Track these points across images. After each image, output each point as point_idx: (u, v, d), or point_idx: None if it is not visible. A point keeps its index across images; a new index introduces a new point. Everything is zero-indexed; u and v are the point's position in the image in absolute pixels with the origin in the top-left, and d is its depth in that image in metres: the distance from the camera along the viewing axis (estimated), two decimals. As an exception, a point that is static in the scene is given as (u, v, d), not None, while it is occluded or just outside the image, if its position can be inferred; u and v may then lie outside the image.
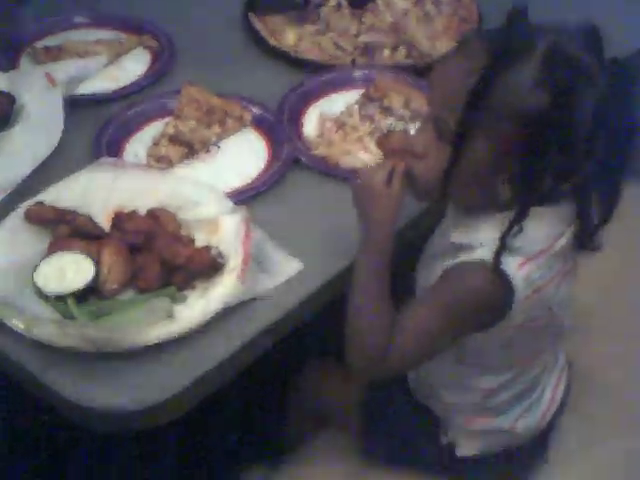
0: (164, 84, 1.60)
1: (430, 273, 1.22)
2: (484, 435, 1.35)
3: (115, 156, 1.43)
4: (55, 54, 1.64)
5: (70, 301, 1.17)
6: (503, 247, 1.12)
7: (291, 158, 1.44)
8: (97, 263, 1.22)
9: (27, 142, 1.42)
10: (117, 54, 1.65)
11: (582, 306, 1.31)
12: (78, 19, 1.76)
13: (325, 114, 1.54)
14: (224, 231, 1.28)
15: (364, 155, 1.48)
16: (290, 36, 1.71)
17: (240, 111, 1.52)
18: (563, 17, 1.11)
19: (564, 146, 1.08)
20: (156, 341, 1.14)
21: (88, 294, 1.21)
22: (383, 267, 1.20)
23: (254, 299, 1.22)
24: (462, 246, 1.17)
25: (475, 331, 1.19)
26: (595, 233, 1.19)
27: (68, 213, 1.29)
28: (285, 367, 1.55)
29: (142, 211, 1.31)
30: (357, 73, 1.63)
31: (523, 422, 1.34)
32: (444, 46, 1.69)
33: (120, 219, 1.30)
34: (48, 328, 1.14)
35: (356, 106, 1.56)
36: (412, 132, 1.46)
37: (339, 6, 1.80)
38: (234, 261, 1.22)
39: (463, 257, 1.15)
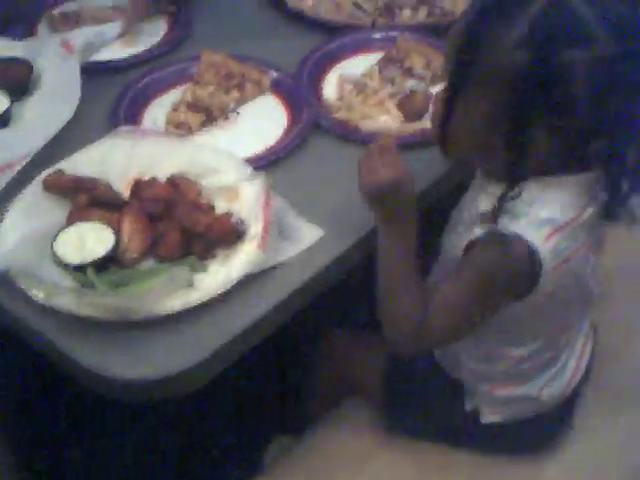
0: (182, 50, 1.59)
1: (457, 241, 1.20)
2: (509, 402, 1.34)
3: (133, 124, 1.42)
4: (72, 21, 1.64)
5: (90, 270, 1.17)
6: (499, 209, 1.12)
7: (311, 122, 1.42)
8: (117, 232, 1.21)
9: (45, 110, 1.42)
10: (134, 20, 1.63)
11: (605, 272, 1.29)
12: (95, -16, 1.74)
13: (345, 77, 1.52)
14: (244, 198, 1.26)
15: (385, 118, 1.46)
16: (309, -1, 1.68)
17: (259, 75, 1.50)
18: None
19: (553, 107, 1.05)
20: (177, 310, 1.13)
21: (108, 263, 1.20)
22: (409, 249, 1.19)
23: (275, 267, 1.21)
24: (489, 214, 1.15)
25: (506, 303, 1.18)
26: (622, 204, 1.16)
27: (87, 182, 1.29)
28: (308, 337, 1.54)
29: (161, 179, 1.30)
30: (377, 34, 1.61)
31: (548, 390, 1.33)
32: (466, 4, 1.66)
33: (139, 187, 1.29)
34: (68, 297, 1.13)
35: (376, 68, 1.53)
36: (432, 93, 1.46)
37: (358, -35, 1.78)
38: (255, 228, 1.21)
39: (490, 227, 1.13)
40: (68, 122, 1.37)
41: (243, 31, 1.63)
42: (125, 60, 1.56)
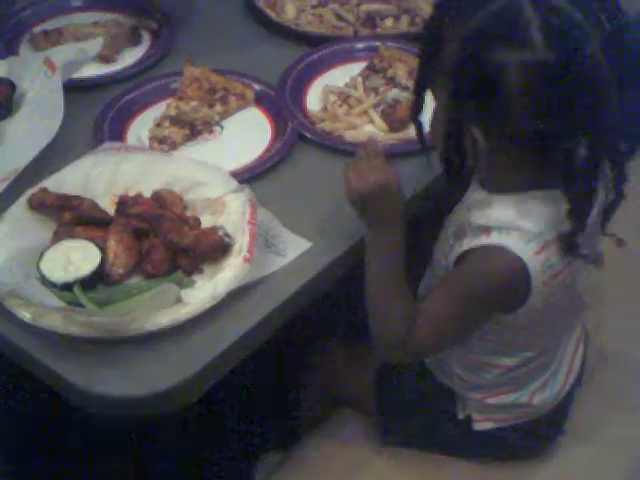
0: (164, 65, 1.58)
1: (448, 251, 1.20)
2: (501, 410, 1.33)
3: (118, 140, 1.41)
4: (54, 38, 1.63)
5: (77, 288, 1.16)
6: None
7: (295, 134, 1.42)
8: (103, 249, 1.21)
9: (28, 129, 1.41)
10: (116, 35, 1.63)
11: (595, 278, 1.29)
12: (76, 2, 1.75)
13: (329, 88, 1.52)
14: (230, 211, 1.26)
15: (370, 128, 1.46)
16: (290, 9, 1.68)
17: (242, 89, 1.50)
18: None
19: (485, 105, 1.05)
20: (165, 326, 1.13)
21: (95, 281, 1.19)
22: (396, 256, 1.19)
23: (262, 280, 1.20)
24: (480, 227, 1.15)
25: (495, 316, 1.18)
26: (610, 213, 1.15)
27: (72, 199, 1.28)
28: (297, 349, 1.54)
29: (147, 194, 1.30)
30: (360, 44, 1.61)
31: (540, 396, 1.33)
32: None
33: (125, 203, 1.28)
34: (55, 317, 1.12)
35: (360, 78, 1.53)
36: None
37: (339, -24, 1.78)
38: (241, 242, 1.20)
39: (481, 239, 1.13)
40: (52, 140, 1.37)
41: (225, 45, 1.63)
42: (108, 76, 1.56)
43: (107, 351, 1.13)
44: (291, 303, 1.21)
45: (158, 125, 1.45)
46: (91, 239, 1.22)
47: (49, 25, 1.68)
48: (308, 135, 1.42)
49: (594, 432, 1.40)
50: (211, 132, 1.46)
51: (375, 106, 1.48)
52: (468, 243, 1.15)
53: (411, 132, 1.43)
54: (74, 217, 1.25)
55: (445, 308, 1.17)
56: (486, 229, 1.13)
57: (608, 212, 1.15)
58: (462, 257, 1.15)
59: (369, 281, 1.20)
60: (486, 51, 1.03)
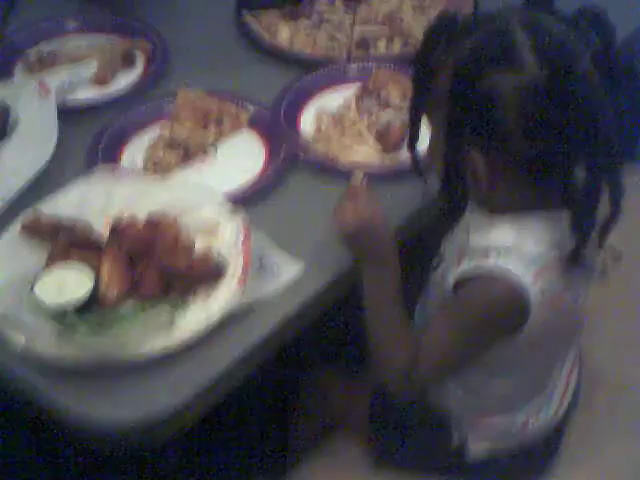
0: (158, 88, 1.58)
1: (446, 275, 1.20)
2: (496, 432, 1.33)
3: (112, 163, 1.41)
4: (49, 61, 1.63)
5: (70, 313, 1.16)
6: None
7: (290, 156, 1.42)
8: (97, 273, 1.21)
9: (23, 154, 1.41)
10: (110, 58, 1.63)
11: (591, 301, 1.29)
12: (70, 25, 1.75)
13: (322, 110, 1.52)
14: (224, 235, 1.26)
15: (364, 149, 1.46)
16: (284, 32, 1.69)
17: (236, 111, 1.50)
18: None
19: (483, 128, 1.06)
20: (159, 350, 1.13)
21: (89, 305, 1.19)
22: (392, 289, 1.20)
23: (256, 303, 1.20)
24: (478, 248, 1.15)
25: (496, 341, 1.18)
26: (609, 227, 1.14)
27: (66, 223, 1.28)
28: (292, 372, 1.53)
29: (141, 217, 1.29)
30: (353, 67, 1.61)
31: (535, 417, 1.33)
32: (440, 35, 1.67)
33: (118, 227, 1.28)
34: (49, 342, 1.12)
35: (353, 100, 1.54)
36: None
37: (333, 0, 1.79)
38: (235, 265, 1.21)
39: (478, 263, 1.13)
40: (46, 163, 1.37)
41: (219, 67, 1.63)
42: (102, 99, 1.56)
43: (100, 376, 1.12)
44: (285, 327, 1.20)
45: (152, 148, 1.45)
46: (85, 263, 1.22)
47: (43, 48, 1.68)
48: (302, 157, 1.42)
49: (590, 455, 1.39)
50: (205, 155, 1.47)
51: (369, 128, 1.48)
52: (467, 265, 1.14)
53: (405, 153, 1.43)
54: (68, 241, 1.25)
55: (447, 338, 1.17)
56: (485, 250, 1.13)
57: (607, 225, 1.13)
58: (461, 282, 1.15)
59: (368, 315, 1.21)
60: (480, 75, 1.04)
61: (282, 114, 1.50)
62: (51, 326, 1.16)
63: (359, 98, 1.54)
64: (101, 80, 1.59)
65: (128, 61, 1.64)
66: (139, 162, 1.44)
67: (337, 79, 1.59)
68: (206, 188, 1.34)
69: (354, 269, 1.24)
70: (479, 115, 1.05)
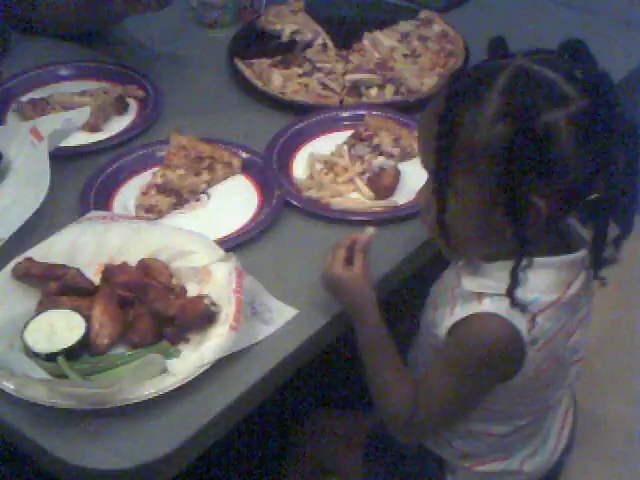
0: (151, 133, 1.59)
1: (438, 320, 1.20)
2: (491, 477, 1.32)
3: (104, 208, 1.41)
4: (41, 107, 1.63)
5: (61, 359, 1.15)
6: (515, 284, 1.10)
7: (282, 202, 1.42)
8: (88, 318, 1.20)
9: (14, 198, 1.41)
10: (103, 104, 1.63)
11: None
12: (63, 71, 1.76)
13: (315, 156, 1.53)
14: (216, 280, 1.25)
15: (356, 196, 1.47)
16: (276, 79, 1.70)
17: (229, 157, 1.51)
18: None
19: (545, 170, 1.05)
20: (150, 397, 1.11)
21: (79, 351, 1.18)
22: (378, 338, 1.21)
23: (249, 348, 1.19)
24: (471, 294, 1.15)
25: (493, 386, 1.17)
26: (618, 246, 1.15)
27: (57, 268, 1.27)
28: (283, 417, 1.52)
29: (133, 263, 1.29)
30: (345, 113, 1.62)
31: (530, 463, 1.32)
32: (432, 82, 1.69)
33: (110, 272, 1.27)
34: (39, 388, 1.11)
35: (345, 146, 1.54)
36: (402, 170, 1.47)
37: (325, 47, 1.80)
38: (227, 311, 1.20)
39: (473, 307, 1.13)
40: (38, 209, 1.37)
41: (212, 113, 1.64)
42: (94, 145, 1.56)
43: (91, 423, 1.11)
44: (277, 372, 1.20)
45: (144, 193, 1.45)
46: (76, 309, 1.21)
47: (36, 94, 1.68)
48: (294, 203, 1.43)
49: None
50: (198, 200, 1.47)
51: (361, 174, 1.49)
52: (460, 311, 1.14)
53: (396, 199, 1.45)
54: (59, 287, 1.25)
55: (445, 383, 1.17)
56: (478, 296, 1.13)
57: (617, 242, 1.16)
58: (456, 327, 1.15)
59: (366, 367, 1.22)
60: (528, 118, 1.03)
61: (274, 160, 1.50)
62: (41, 373, 1.15)
63: (351, 144, 1.55)
64: (94, 126, 1.60)
65: (121, 107, 1.65)
66: (131, 208, 1.44)
67: (329, 125, 1.60)
68: (198, 234, 1.34)
69: (346, 314, 1.24)
70: (540, 158, 1.04)
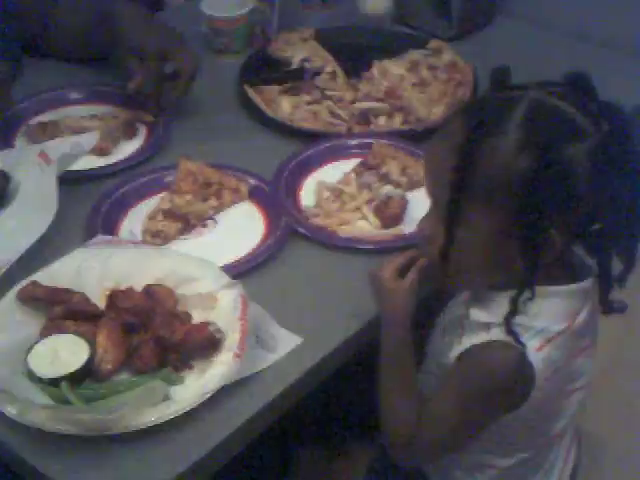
0: (159, 159, 1.59)
1: (445, 349, 1.20)
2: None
3: (110, 233, 1.41)
4: (50, 131, 1.64)
5: (64, 385, 1.14)
6: (513, 313, 1.09)
7: (288, 230, 1.42)
8: (92, 344, 1.20)
9: (22, 221, 1.41)
10: (112, 129, 1.64)
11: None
12: (73, 95, 1.76)
13: (322, 183, 1.53)
14: (221, 307, 1.25)
15: (363, 224, 1.46)
16: (285, 106, 1.70)
17: (236, 183, 1.51)
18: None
19: (564, 204, 1.06)
20: (152, 424, 1.11)
21: (83, 376, 1.18)
22: (398, 355, 1.20)
23: (252, 376, 1.19)
24: (479, 323, 1.14)
25: (500, 415, 1.17)
26: (622, 283, 1.16)
27: (62, 293, 1.27)
28: (287, 449, 1.51)
29: (138, 288, 1.29)
30: (353, 141, 1.62)
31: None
32: (440, 111, 1.69)
33: (116, 298, 1.27)
34: (42, 414, 1.11)
35: (353, 174, 1.54)
36: (409, 199, 1.47)
37: (334, 75, 1.81)
38: (232, 338, 1.19)
39: (481, 337, 1.13)
40: (45, 232, 1.37)
41: (221, 139, 1.64)
42: (102, 169, 1.56)
43: (93, 449, 1.11)
44: (281, 400, 1.19)
45: (151, 219, 1.45)
46: (80, 334, 1.21)
47: (46, 117, 1.69)
48: (301, 230, 1.42)
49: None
50: (205, 226, 1.47)
51: (368, 202, 1.49)
52: (468, 340, 1.14)
53: (403, 228, 1.44)
54: (64, 311, 1.24)
55: (451, 411, 1.16)
56: (486, 325, 1.13)
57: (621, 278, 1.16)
58: (464, 356, 1.14)
59: (380, 377, 1.21)
60: (551, 152, 1.03)
61: (282, 187, 1.50)
62: (44, 398, 1.15)
63: (359, 173, 1.55)
64: (102, 150, 1.60)
65: (130, 132, 1.65)
66: (138, 233, 1.44)
67: (337, 153, 1.60)
68: (204, 260, 1.34)
69: (351, 342, 1.24)
70: (562, 192, 1.05)
